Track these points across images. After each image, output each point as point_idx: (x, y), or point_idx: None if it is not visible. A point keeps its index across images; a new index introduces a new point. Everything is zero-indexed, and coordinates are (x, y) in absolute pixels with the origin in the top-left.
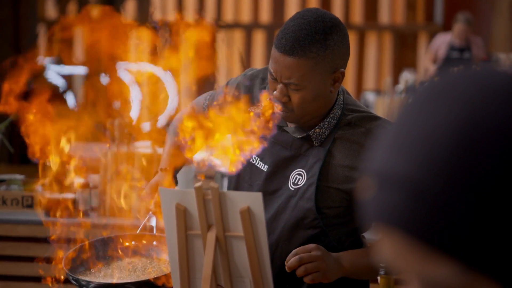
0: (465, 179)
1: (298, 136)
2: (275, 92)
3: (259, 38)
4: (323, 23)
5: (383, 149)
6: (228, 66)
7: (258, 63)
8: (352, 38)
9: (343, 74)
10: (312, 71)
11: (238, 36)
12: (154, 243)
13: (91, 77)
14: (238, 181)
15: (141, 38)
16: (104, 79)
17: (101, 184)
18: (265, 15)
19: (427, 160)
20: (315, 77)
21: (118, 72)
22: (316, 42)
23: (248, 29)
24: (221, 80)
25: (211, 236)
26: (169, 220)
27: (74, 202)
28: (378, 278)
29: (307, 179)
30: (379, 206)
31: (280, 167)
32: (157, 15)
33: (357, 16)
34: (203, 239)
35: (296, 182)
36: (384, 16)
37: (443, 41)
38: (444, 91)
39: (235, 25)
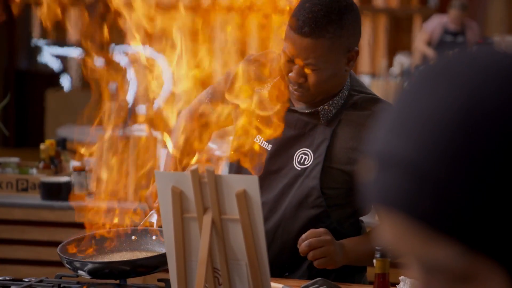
0: (467, 159)
1: (306, 111)
2: (291, 74)
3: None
4: (338, 3)
5: (384, 131)
6: (224, 50)
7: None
8: None
9: (357, 53)
10: (329, 51)
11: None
12: (154, 237)
13: (86, 59)
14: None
15: (137, 19)
16: (100, 61)
17: (97, 168)
18: None
19: (428, 141)
20: (332, 57)
21: (113, 55)
22: (332, 22)
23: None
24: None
25: (207, 219)
26: (165, 203)
27: (70, 185)
28: (374, 261)
29: (314, 159)
30: (380, 188)
31: (284, 146)
32: None
33: None
34: (199, 222)
35: (302, 161)
36: None
37: (438, 23)
38: (443, 72)
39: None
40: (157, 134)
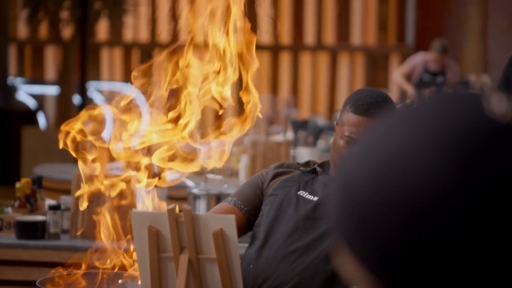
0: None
1: None
2: None
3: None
4: (384, 94)
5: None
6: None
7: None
8: (325, 59)
9: None
10: None
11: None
12: (139, 282)
13: (62, 97)
14: (280, 207)
15: (113, 58)
16: (76, 99)
17: (73, 206)
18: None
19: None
20: None
21: (90, 92)
22: (387, 106)
23: None
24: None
25: (184, 258)
26: (141, 242)
27: (45, 224)
28: None
29: None
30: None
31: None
32: (128, 36)
33: (329, 37)
34: (175, 262)
35: None
36: (356, 37)
37: (421, 60)
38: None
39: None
40: (134, 173)
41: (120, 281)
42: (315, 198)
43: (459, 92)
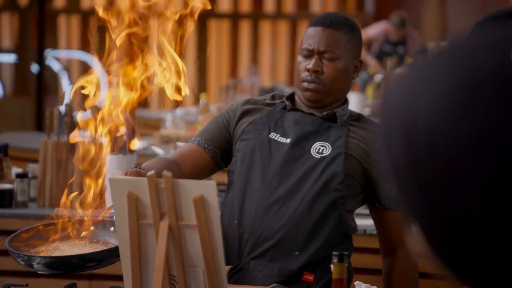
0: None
1: (323, 113)
2: (309, 65)
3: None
4: (349, 19)
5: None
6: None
7: (190, 51)
8: (284, 28)
9: (361, 64)
10: (345, 45)
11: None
12: (112, 229)
13: (20, 66)
14: (254, 154)
15: (71, 25)
16: (34, 68)
17: (40, 174)
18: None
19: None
20: (346, 53)
21: (48, 60)
22: (348, 25)
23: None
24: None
25: (164, 225)
26: (120, 209)
27: (12, 193)
28: (332, 266)
29: (332, 149)
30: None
31: (302, 140)
32: (86, 3)
33: (289, 5)
34: (155, 229)
35: (320, 151)
36: (316, 5)
37: (383, 31)
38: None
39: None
40: (102, 139)
41: (112, 228)
42: (288, 140)
43: (493, 37)
